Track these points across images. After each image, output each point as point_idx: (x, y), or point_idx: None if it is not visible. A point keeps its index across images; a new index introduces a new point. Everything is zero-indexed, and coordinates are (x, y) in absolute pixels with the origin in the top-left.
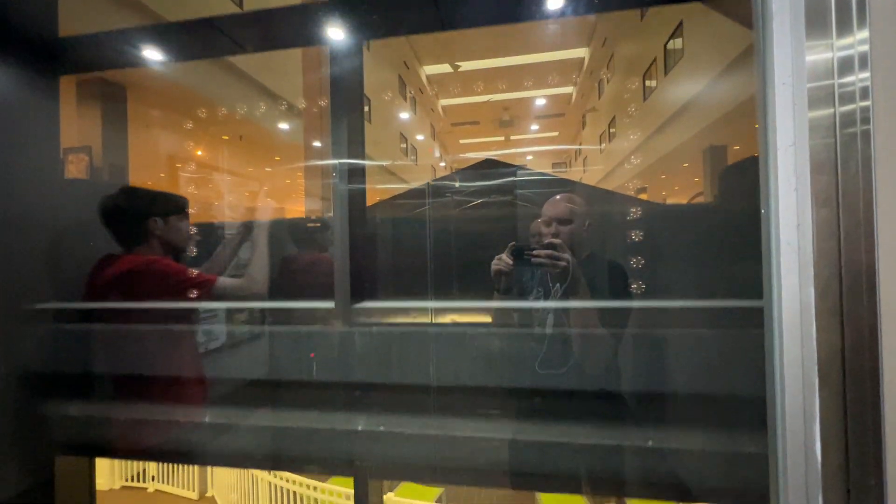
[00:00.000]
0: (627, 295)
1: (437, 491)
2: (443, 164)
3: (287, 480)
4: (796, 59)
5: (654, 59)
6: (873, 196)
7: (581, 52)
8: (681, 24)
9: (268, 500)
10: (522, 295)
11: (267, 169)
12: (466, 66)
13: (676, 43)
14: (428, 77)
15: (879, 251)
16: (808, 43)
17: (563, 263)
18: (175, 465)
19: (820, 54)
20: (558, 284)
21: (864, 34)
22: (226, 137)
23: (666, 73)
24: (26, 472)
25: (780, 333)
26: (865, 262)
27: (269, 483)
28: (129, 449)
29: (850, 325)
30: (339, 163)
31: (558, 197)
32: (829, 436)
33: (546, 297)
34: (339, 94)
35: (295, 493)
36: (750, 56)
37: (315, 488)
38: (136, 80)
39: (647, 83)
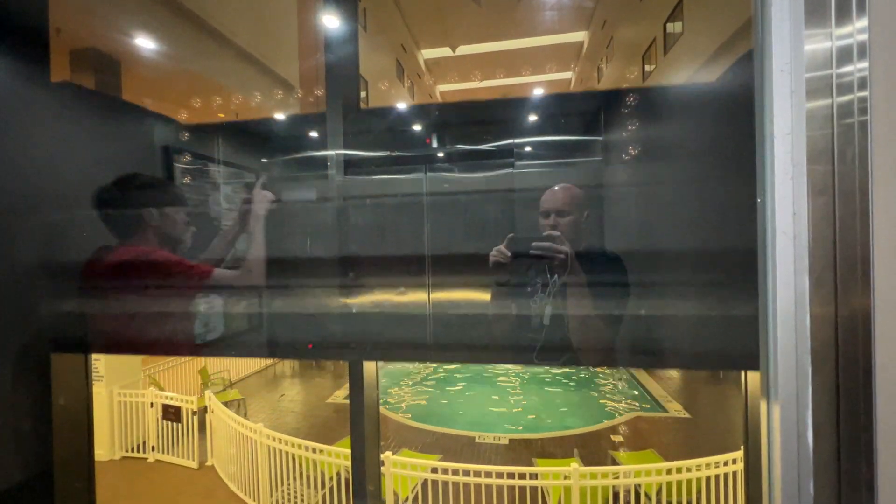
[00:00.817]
0: (626, 287)
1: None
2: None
3: (285, 443)
4: (795, 47)
5: (654, 40)
6: (869, 186)
7: (580, 36)
8: (681, 1)
9: (267, 463)
10: (521, 286)
11: (263, 160)
12: (464, 50)
13: (676, 27)
14: (426, 61)
15: (875, 241)
16: (807, 31)
17: (562, 256)
18: (175, 438)
19: (819, 43)
20: (556, 276)
21: (863, 23)
22: (222, 115)
23: (665, 53)
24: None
25: (774, 322)
26: (861, 252)
27: (269, 448)
28: (123, 342)
29: (844, 314)
30: (336, 154)
31: (557, 188)
32: (822, 423)
33: (544, 288)
34: (334, 78)
35: (293, 455)
36: (745, 33)
37: (315, 450)
38: (130, 52)
39: (647, 67)
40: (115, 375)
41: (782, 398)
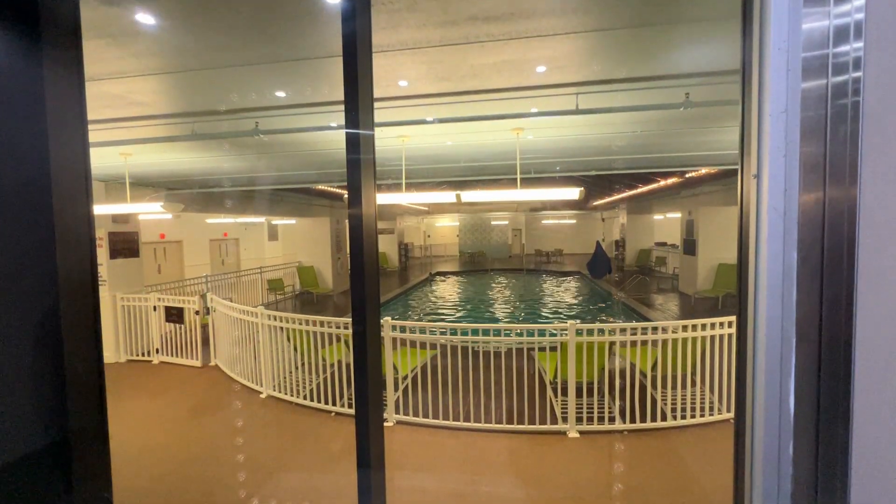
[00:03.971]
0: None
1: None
2: None
3: (285, 320)
4: (793, 25)
5: None
6: (859, 166)
7: None
8: None
9: (269, 352)
10: None
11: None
12: None
13: None
14: None
15: (861, 220)
16: (806, 9)
17: None
18: (178, 342)
19: (817, 22)
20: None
21: (860, 0)
22: None
23: None
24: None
25: (761, 293)
26: (847, 229)
27: (269, 327)
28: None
29: (829, 287)
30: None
31: None
32: (803, 390)
33: None
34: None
35: (294, 341)
36: None
37: (308, 322)
38: None
39: None
40: (118, 284)
41: (766, 366)
